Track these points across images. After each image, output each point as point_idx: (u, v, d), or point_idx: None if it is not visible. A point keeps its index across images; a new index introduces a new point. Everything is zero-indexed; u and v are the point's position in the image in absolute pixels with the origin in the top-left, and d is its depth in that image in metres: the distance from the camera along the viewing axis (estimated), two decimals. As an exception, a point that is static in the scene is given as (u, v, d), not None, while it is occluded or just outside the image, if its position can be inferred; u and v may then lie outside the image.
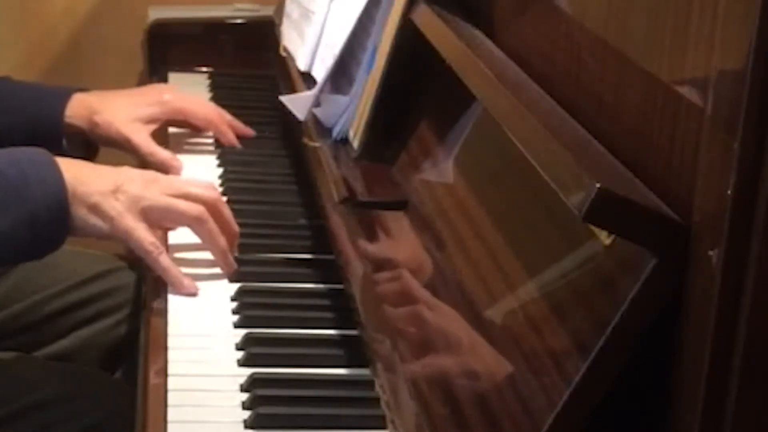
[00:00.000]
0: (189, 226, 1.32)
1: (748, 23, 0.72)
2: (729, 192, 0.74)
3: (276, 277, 1.34)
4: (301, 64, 1.66)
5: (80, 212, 1.25)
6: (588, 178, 0.81)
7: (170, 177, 1.40)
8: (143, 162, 1.60)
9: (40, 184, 1.23)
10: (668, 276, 0.80)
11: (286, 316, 1.26)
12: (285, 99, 1.53)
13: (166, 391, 1.11)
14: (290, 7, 1.80)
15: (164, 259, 1.29)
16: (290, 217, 1.51)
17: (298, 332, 1.24)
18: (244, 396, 1.12)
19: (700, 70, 0.81)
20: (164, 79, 1.96)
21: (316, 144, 1.46)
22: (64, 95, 1.62)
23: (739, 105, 0.73)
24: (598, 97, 1.01)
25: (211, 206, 1.32)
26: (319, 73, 1.58)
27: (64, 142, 1.60)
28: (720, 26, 0.77)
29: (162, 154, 1.60)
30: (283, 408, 1.10)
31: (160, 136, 1.66)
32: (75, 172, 1.27)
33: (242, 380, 1.14)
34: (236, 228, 1.36)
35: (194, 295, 1.29)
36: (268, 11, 2.00)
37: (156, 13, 2.06)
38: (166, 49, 2.03)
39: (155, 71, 1.99)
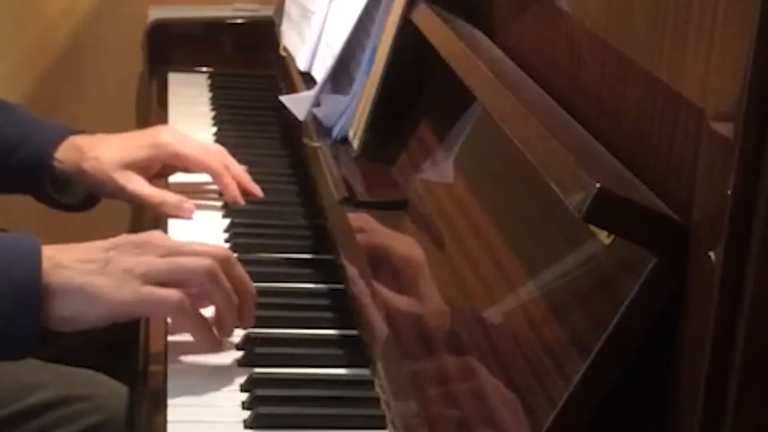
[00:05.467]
0: (199, 284, 1.14)
1: (748, 23, 0.72)
2: (729, 192, 0.74)
3: (276, 277, 1.34)
4: (301, 64, 1.66)
5: (64, 302, 1.09)
6: (588, 178, 0.81)
7: (167, 236, 1.21)
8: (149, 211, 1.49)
9: (6, 274, 1.06)
10: (668, 276, 0.80)
11: (286, 316, 1.26)
12: (285, 99, 1.53)
13: (165, 392, 1.11)
14: (290, 7, 1.80)
15: (199, 315, 1.15)
16: (290, 217, 1.51)
17: (298, 332, 1.24)
18: (244, 396, 1.12)
19: (700, 70, 0.81)
20: (164, 79, 1.96)
21: (316, 144, 1.46)
22: (58, 137, 1.48)
23: (739, 105, 0.73)
24: (598, 97, 1.01)
25: (220, 262, 1.15)
26: (319, 73, 1.58)
27: (48, 186, 1.47)
28: (720, 26, 0.77)
29: (161, 196, 1.47)
30: (282, 408, 1.10)
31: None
32: (57, 257, 1.09)
33: (242, 380, 1.14)
34: (252, 287, 1.18)
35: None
36: (268, 11, 2.00)
37: (156, 13, 2.06)
38: (166, 49, 2.03)
39: (155, 71, 1.99)
